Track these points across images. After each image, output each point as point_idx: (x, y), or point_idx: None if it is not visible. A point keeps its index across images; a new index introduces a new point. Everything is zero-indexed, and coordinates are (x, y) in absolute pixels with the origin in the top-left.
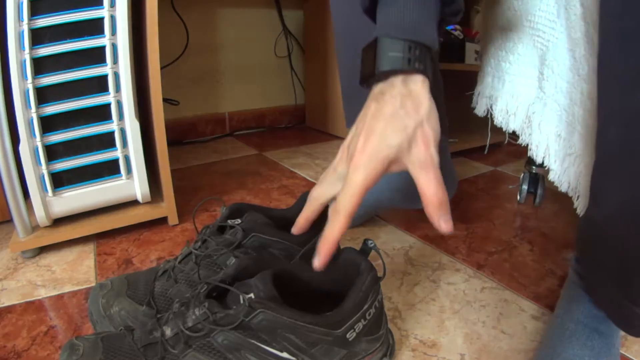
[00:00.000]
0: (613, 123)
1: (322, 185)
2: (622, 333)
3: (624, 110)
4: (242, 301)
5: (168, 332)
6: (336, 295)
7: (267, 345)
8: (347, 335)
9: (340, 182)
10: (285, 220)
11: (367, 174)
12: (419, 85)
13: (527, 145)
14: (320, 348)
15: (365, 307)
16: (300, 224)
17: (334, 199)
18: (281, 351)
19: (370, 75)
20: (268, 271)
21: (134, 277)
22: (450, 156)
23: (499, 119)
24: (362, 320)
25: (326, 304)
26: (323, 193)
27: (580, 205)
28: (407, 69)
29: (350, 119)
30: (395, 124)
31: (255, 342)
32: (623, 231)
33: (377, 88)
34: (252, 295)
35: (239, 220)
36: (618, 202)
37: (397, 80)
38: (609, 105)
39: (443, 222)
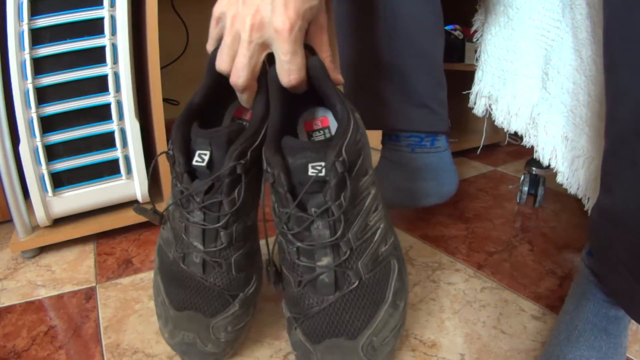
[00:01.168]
0: (623, 102)
1: (245, 64)
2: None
3: (635, 87)
4: (317, 168)
5: (325, 261)
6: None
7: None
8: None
9: (260, 48)
10: (205, 110)
11: (301, 42)
12: None
13: (530, 146)
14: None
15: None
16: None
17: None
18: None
19: None
20: (291, 140)
21: None
22: (451, 155)
23: (500, 120)
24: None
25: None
26: (252, 72)
27: (591, 207)
28: None
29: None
30: None
31: (360, 170)
32: (638, 218)
33: None
34: (322, 163)
35: (206, 154)
36: (631, 188)
37: None
38: (618, 85)
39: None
